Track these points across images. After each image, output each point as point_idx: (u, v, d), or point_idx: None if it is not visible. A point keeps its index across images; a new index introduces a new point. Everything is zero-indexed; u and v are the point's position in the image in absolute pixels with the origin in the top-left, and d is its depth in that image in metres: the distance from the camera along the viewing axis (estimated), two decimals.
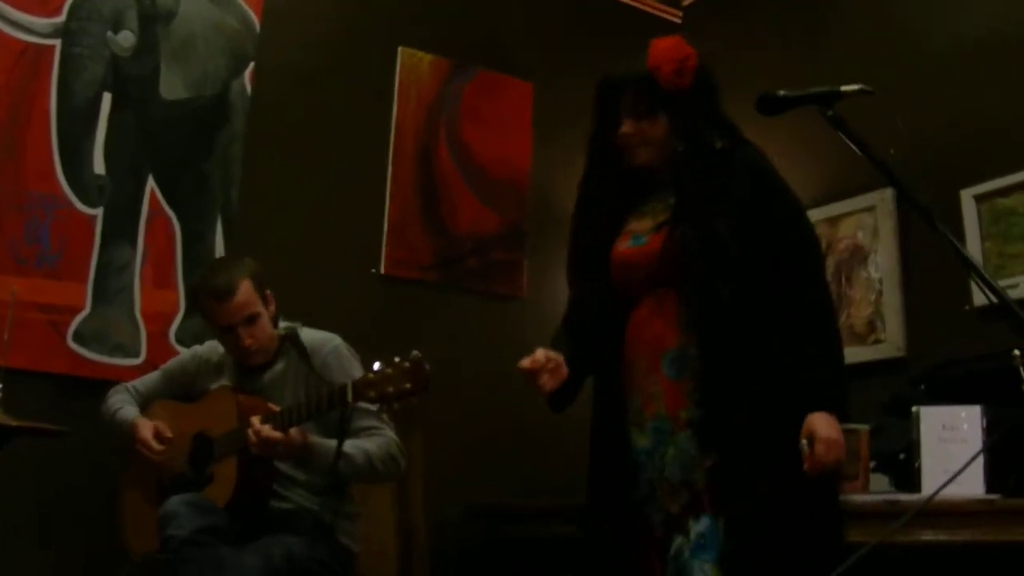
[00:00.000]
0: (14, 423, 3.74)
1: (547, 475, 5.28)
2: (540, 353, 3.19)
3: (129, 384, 4.33)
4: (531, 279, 5.82)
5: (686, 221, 3.15)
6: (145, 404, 4.25)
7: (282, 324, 4.13)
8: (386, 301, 5.41)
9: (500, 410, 5.16)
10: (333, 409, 3.64)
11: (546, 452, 5.25)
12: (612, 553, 3.23)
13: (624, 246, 3.31)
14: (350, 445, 3.77)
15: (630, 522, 3.22)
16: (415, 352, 3.43)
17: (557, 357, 3.21)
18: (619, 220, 3.38)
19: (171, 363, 4.40)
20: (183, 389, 4.27)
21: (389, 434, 3.92)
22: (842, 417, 3.01)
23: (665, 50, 3.21)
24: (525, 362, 3.18)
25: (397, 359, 3.44)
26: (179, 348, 4.72)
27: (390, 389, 3.43)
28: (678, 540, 3.08)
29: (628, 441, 3.24)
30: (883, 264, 4.93)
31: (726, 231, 3.10)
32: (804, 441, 2.95)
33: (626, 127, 3.25)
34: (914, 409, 3.83)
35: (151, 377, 4.36)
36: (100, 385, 4.40)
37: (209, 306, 3.96)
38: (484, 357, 5.46)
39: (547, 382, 3.17)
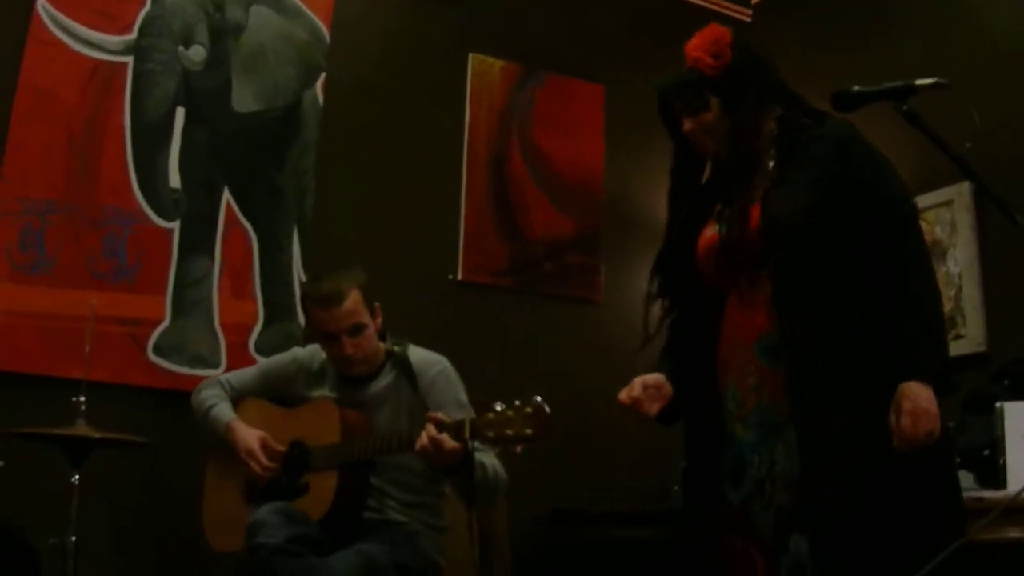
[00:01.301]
0: (96, 435, 3.80)
1: (628, 478, 5.27)
2: (637, 384, 3.20)
3: (223, 377, 4.30)
4: (607, 282, 5.80)
5: (768, 196, 3.09)
6: (237, 400, 4.21)
7: (390, 340, 4.11)
8: (464, 307, 5.43)
9: (580, 413, 5.12)
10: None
11: (626, 455, 5.24)
12: (709, 551, 3.19)
13: (710, 232, 3.26)
14: (484, 457, 3.76)
15: (729, 520, 3.15)
16: (537, 398, 3.36)
17: (657, 379, 3.22)
18: (707, 212, 3.32)
19: (270, 362, 4.36)
20: (278, 392, 4.22)
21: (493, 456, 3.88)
22: (940, 387, 2.86)
23: (698, 44, 3.21)
24: (623, 396, 3.18)
25: (518, 402, 3.38)
26: (259, 358, 4.75)
27: (509, 432, 3.36)
28: (796, 539, 2.92)
29: (725, 438, 3.17)
30: (962, 259, 4.87)
31: (801, 204, 3.03)
32: (893, 416, 2.83)
33: (687, 124, 3.26)
34: (997, 405, 3.79)
35: (248, 372, 4.33)
36: (180, 396, 4.41)
37: (315, 313, 3.95)
38: (562, 361, 5.48)
39: (650, 408, 3.19)
